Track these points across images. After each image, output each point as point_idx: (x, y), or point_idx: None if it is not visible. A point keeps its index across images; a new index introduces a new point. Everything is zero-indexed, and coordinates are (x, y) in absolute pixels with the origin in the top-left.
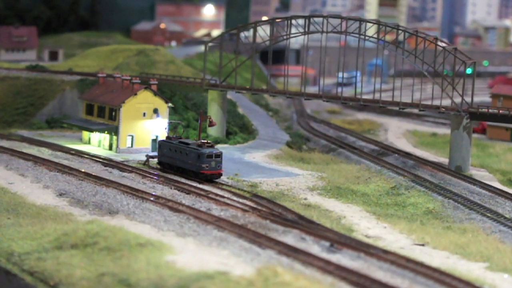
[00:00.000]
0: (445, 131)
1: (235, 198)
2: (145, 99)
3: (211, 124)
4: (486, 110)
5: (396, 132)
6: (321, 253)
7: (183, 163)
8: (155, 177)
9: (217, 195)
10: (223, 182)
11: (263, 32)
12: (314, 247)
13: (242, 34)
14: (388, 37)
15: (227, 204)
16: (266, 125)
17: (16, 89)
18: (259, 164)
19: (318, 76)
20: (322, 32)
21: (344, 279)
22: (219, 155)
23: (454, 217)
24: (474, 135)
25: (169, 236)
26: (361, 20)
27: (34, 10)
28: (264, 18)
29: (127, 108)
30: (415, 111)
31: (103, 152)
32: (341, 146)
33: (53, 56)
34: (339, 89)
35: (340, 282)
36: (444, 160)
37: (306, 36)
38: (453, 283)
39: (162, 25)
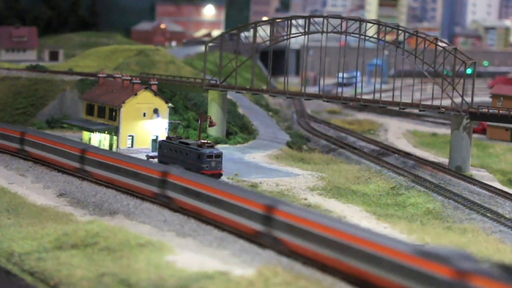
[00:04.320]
0: (445, 131)
1: None
2: (145, 99)
3: (211, 124)
4: (486, 110)
5: (396, 132)
6: None
7: (183, 163)
8: None
9: None
10: None
11: (263, 32)
12: None
13: (242, 34)
14: (388, 37)
15: None
16: (266, 125)
17: (16, 89)
18: (259, 164)
19: (318, 76)
20: (322, 32)
21: (344, 279)
22: (219, 155)
23: (454, 217)
24: (474, 135)
25: (169, 236)
26: (361, 20)
27: (34, 10)
28: (264, 18)
29: (127, 108)
30: (415, 111)
31: None
32: (341, 146)
33: (54, 56)
34: (339, 89)
35: (340, 282)
36: (444, 160)
37: (306, 36)
38: None
39: (162, 25)
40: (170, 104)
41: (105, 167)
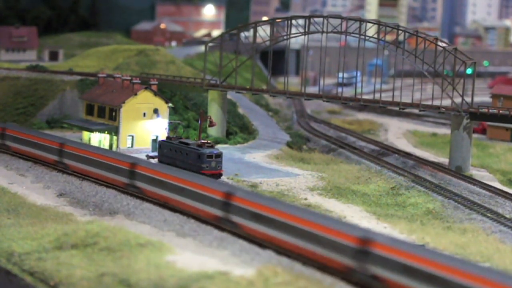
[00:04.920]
0: (445, 131)
1: None
2: (145, 99)
3: (211, 124)
4: (486, 110)
5: (396, 132)
6: None
7: (183, 163)
8: None
9: None
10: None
11: (263, 32)
12: None
13: (242, 34)
14: (388, 37)
15: None
16: (266, 125)
17: (16, 89)
18: (259, 164)
19: (318, 76)
20: (322, 32)
21: (344, 279)
22: (219, 155)
23: (454, 217)
24: (474, 135)
25: (169, 236)
26: (361, 20)
27: (34, 10)
28: (264, 18)
29: (127, 108)
30: (415, 111)
31: None
32: (341, 146)
33: (53, 56)
34: (339, 89)
35: (340, 282)
36: (444, 160)
37: (306, 36)
38: None
39: (162, 25)
40: (170, 104)
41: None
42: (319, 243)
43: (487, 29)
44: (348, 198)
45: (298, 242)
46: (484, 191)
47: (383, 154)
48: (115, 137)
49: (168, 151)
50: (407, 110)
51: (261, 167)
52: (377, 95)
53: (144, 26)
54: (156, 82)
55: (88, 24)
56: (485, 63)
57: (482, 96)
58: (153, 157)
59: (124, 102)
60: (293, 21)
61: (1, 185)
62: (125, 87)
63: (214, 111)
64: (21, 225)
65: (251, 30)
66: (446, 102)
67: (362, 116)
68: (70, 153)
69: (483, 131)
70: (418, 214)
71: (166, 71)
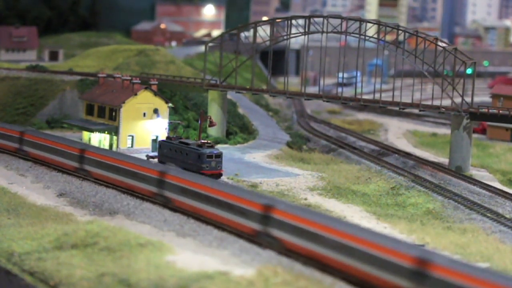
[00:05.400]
0: (445, 131)
1: None
2: (145, 99)
3: (211, 124)
4: (486, 110)
5: (396, 132)
6: None
7: (184, 163)
8: None
9: None
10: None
11: (263, 32)
12: None
13: (242, 34)
14: (388, 37)
15: None
16: (266, 125)
17: (16, 89)
18: (259, 164)
19: (318, 76)
20: (322, 32)
21: (344, 279)
22: (219, 155)
23: (454, 217)
24: (474, 135)
25: (169, 236)
26: (361, 20)
27: (34, 10)
28: (264, 18)
29: (127, 108)
30: (415, 111)
31: None
32: (341, 146)
33: (53, 56)
34: (339, 89)
35: (340, 282)
36: (444, 160)
37: (306, 36)
38: None
39: (162, 25)
40: (170, 104)
41: None
42: None
43: (487, 29)
44: (348, 198)
45: None
46: (484, 191)
47: (383, 154)
48: (115, 137)
49: (168, 151)
50: (407, 110)
51: (261, 167)
52: (377, 95)
53: (144, 26)
54: (156, 82)
55: (88, 24)
56: (485, 63)
57: (482, 96)
58: (153, 157)
59: (124, 102)
60: (293, 21)
61: (1, 185)
62: (125, 87)
63: (214, 111)
64: (21, 225)
65: (251, 30)
66: (446, 102)
67: (362, 116)
68: (172, 184)
69: (483, 131)
70: (418, 214)
71: (166, 71)
